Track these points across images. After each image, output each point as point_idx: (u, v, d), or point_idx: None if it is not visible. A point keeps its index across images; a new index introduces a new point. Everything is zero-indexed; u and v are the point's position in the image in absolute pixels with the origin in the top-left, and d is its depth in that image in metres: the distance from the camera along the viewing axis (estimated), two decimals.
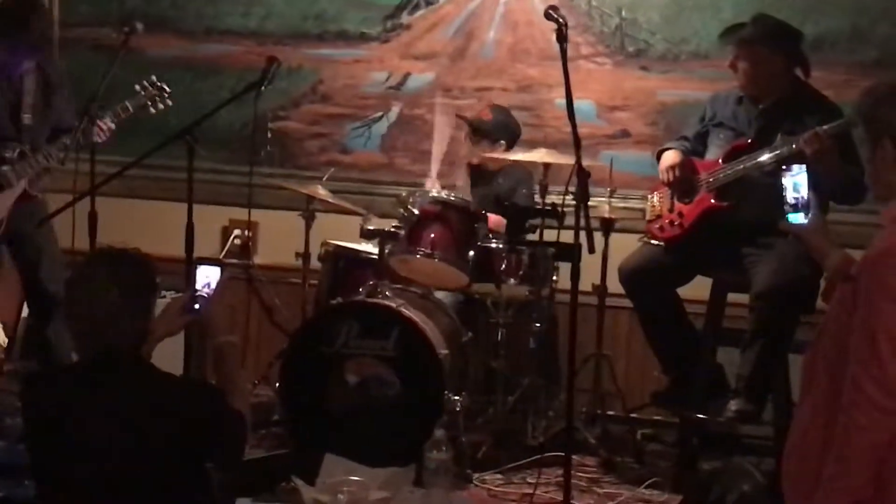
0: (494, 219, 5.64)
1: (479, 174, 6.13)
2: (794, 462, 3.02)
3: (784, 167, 3.37)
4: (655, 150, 5.52)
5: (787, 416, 4.77)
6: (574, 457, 4.66)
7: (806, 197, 3.28)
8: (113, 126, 5.46)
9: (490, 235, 5.46)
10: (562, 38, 4.40)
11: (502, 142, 5.96)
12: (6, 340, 5.87)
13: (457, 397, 5.15)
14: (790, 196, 3.29)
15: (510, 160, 5.92)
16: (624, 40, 6.31)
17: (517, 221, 5.33)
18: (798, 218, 3.28)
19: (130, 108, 5.55)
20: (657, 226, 5.31)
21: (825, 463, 2.83)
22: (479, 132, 5.98)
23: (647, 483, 5.08)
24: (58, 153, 5.32)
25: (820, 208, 3.30)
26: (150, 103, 5.62)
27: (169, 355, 3.64)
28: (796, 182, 3.29)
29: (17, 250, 5.52)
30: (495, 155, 5.89)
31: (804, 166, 3.33)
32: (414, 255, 5.33)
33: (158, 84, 5.65)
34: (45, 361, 5.47)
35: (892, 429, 2.75)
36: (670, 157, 5.25)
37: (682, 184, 5.20)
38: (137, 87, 5.61)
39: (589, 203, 4.36)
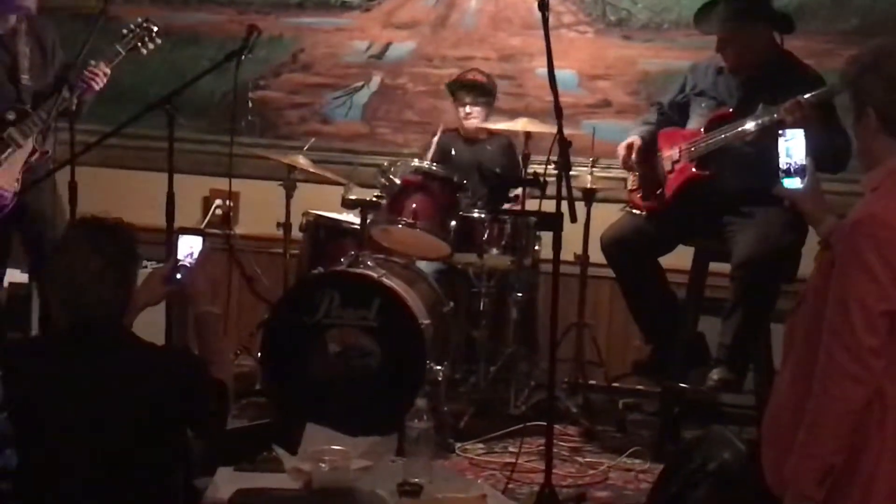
0: None
1: (460, 141, 6.13)
2: (772, 430, 3.04)
3: (780, 132, 3.37)
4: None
5: (768, 384, 4.78)
6: (556, 426, 4.66)
7: (799, 162, 3.28)
8: (108, 70, 5.39)
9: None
10: (543, 6, 4.39)
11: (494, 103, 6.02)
12: None
13: (438, 367, 5.16)
14: (783, 161, 3.29)
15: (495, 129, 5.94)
16: (606, 9, 6.30)
17: (499, 191, 5.32)
18: (794, 183, 3.28)
19: (122, 51, 5.45)
20: (639, 195, 5.31)
21: (799, 430, 2.84)
22: (489, 93, 6.01)
23: (628, 452, 5.10)
24: (55, 110, 5.28)
25: (815, 174, 3.29)
26: (139, 44, 5.50)
27: (151, 325, 3.64)
28: (789, 147, 3.29)
29: (22, 217, 5.47)
30: (502, 126, 5.89)
31: (800, 131, 3.33)
32: (396, 224, 5.33)
33: (145, 24, 5.52)
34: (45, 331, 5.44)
35: (864, 397, 2.76)
36: (629, 138, 5.27)
37: (643, 160, 5.21)
38: (125, 31, 5.51)
39: (571, 173, 4.35)
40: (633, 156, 5.20)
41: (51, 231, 5.35)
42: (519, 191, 5.56)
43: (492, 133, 6.08)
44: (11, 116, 5.31)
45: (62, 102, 5.25)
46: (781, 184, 3.30)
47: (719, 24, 5.05)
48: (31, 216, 5.42)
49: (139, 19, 5.58)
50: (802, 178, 3.27)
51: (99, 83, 5.36)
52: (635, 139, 5.23)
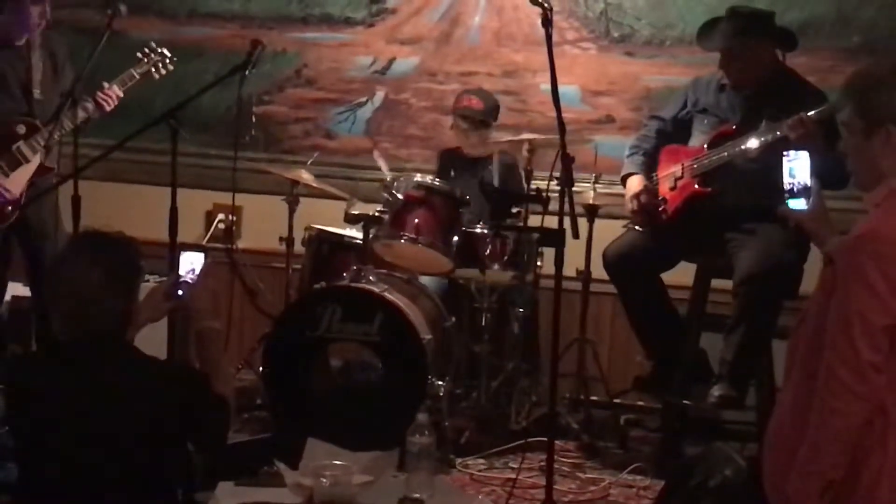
0: None
1: (461, 160, 6.12)
2: (773, 446, 3.04)
3: (784, 152, 3.36)
4: (620, 175, 5.44)
5: (769, 401, 4.79)
6: (557, 442, 4.66)
7: (803, 183, 3.27)
8: (121, 94, 5.55)
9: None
10: (547, 22, 4.40)
11: (495, 123, 5.99)
12: None
13: (440, 382, 5.15)
14: (786, 182, 3.28)
15: (497, 147, 5.93)
16: (609, 25, 6.31)
17: (503, 207, 5.32)
18: (799, 204, 3.27)
19: (137, 75, 5.64)
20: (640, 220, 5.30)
21: (801, 446, 2.84)
22: (479, 123, 5.97)
23: (629, 468, 5.08)
24: (68, 125, 5.33)
25: (820, 194, 3.29)
26: (153, 69, 5.70)
27: (152, 340, 3.64)
28: (792, 167, 3.28)
29: (24, 231, 5.49)
30: (495, 141, 5.89)
31: (804, 152, 3.32)
32: (398, 239, 5.33)
33: (159, 49, 5.73)
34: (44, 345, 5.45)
35: (865, 413, 2.76)
36: (635, 184, 5.25)
37: (648, 209, 5.20)
38: (139, 55, 5.69)
39: (573, 188, 4.36)
40: (644, 199, 5.19)
41: (51, 245, 5.37)
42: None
43: (492, 152, 6.05)
44: (21, 130, 5.35)
45: (69, 123, 5.29)
46: (786, 205, 3.30)
47: (722, 41, 5.06)
48: (32, 231, 5.45)
49: (152, 44, 5.70)
50: (807, 198, 3.27)
51: (110, 105, 5.46)
52: (640, 187, 5.23)
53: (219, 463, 3.92)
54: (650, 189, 5.22)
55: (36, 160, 5.40)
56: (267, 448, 4.46)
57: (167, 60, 5.72)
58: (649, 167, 5.31)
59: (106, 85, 5.49)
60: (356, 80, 6.64)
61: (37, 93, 5.45)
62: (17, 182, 5.37)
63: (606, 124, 6.32)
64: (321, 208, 6.15)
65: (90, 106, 5.42)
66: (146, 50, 5.69)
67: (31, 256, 5.53)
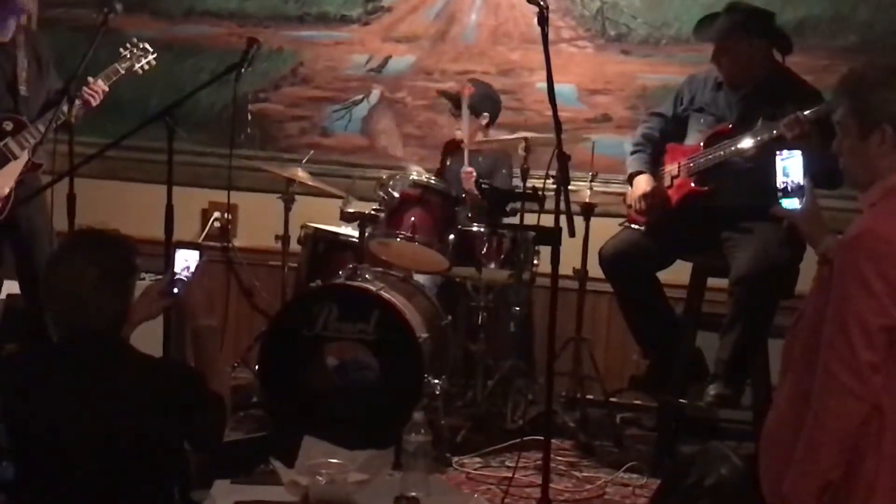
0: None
1: (459, 151, 6.11)
2: (770, 445, 3.04)
3: (777, 151, 3.36)
4: (627, 174, 5.40)
5: (765, 400, 4.79)
6: (553, 441, 4.64)
7: (796, 182, 3.27)
8: (107, 88, 5.51)
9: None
10: (543, 21, 4.39)
11: (486, 114, 5.96)
12: None
13: (436, 381, 5.15)
14: (780, 181, 3.28)
15: (491, 141, 5.91)
16: (605, 24, 6.31)
17: (497, 205, 5.32)
18: (792, 203, 3.27)
19: (121, 70, 5.61)
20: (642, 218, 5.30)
21: (797, 446, 2.84)
22: (468, 106, 5.96)
23: (625, 467, 5.09)
24: (54, 123, 5.33)
25: (813, 194, 3.29)
26: (136, 64, 5.68)
27: (148, 339, 3.63)
28: (786, 166, 3.28)
29: (13, 229, 5.48)
30: (483, 138, 5.89)
31: (798, 152, 3.32)
32: (394, 238, 5.33)
33: (140, 45, 5.70)
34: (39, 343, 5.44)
35: (863, 414, 2.76)
36: (644, 183, 5.24)
37: (656, 209, 5.19)
38: (122, 50, 5.65)
39: (569, 187, 4.35)
40: (651, 200, 5.18)
41: (41, 244, 5.35)
42: (518, 204, 5.55)
43: (484, 147, 6.04)
44: (9, 127, 5.34)
45: (60, 116, 5.27)
46: (780, 204, 3.29)
47: (716, 34, 5.07)
48: (22, 228, 5.43)
49: (134, 39, 5.68)
50: (800, 198, 3.27)
51: (96, 100, 5.43)
52: (649, 186, 5.21)
53: (215, 461, 3.91)
54: (660, 189, 5.20)
55: (24, 157, 5.38)
56: (263, 446, 4.45)
57: (149, 54, 5.70)
58: (654, 165, 5.29)
59: (91, 80, 5.46)
60: (352, 79, 6.64)
61: (23, 90, 5.43)
62: (5, 179, 5.36)
63: (603, 123, 6.32)
64: (317, 206, 6.16)
65: (77, 102, 5.40)
66: (128, 45, 5.68)
67: (22, 255, 5.51)
